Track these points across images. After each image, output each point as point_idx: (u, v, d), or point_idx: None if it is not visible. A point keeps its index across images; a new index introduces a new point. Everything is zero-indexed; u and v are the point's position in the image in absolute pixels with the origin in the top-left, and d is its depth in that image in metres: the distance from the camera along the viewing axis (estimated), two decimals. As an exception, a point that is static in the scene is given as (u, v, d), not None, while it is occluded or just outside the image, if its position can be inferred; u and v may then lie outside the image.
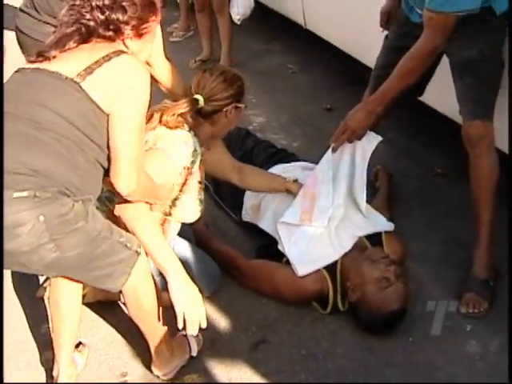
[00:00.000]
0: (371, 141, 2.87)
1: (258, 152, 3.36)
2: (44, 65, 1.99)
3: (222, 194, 3.30)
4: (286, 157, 3.32)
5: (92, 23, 2.05)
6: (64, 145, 1.92)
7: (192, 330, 2.24)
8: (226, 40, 4.79)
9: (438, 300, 2.75)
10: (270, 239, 2.89)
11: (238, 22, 4.61)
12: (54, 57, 2.00)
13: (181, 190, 2.48)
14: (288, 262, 2.75)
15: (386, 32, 3.11)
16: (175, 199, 2.49)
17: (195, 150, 2.47)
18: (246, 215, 3.11)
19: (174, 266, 2.24)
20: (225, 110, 2.57)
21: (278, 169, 3.14)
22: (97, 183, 2.07)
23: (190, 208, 2.55)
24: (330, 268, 2.70)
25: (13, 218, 1.82)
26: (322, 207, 2.82)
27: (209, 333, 2.63)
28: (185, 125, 2.49)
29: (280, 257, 2.81)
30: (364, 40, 3.73)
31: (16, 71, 2.06)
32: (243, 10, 4.55)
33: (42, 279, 2.79)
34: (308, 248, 2.75)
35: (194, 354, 2.55)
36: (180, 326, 2.22)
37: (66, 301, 2.37)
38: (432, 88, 3.03)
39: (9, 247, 1.86)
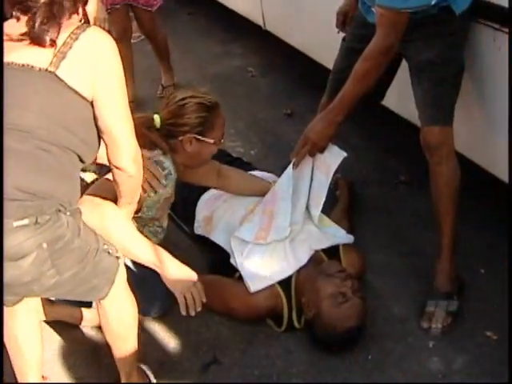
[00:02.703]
0: (335, 156, 2.72)
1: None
2: (8, 54, 1.71)
3: (173, 206, 3.13)
4: (242, 166, 3.14)
5: None
6: (52, 154, 1.73)
7: (193, 311, 2.23)
8: (165, 59, 4.44)
9: (399, 313, 2.63)
10: (222, 253, 2.75)
11: None
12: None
13: None
14: (241, 277, 2.61)
15: (344, 34, 2.99)
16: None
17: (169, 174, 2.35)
18: (199, 228, 2.95)
19: (162, 257, 2.19)
20: (180, 139, 2.41)
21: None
22: (79, 186, 1.91)
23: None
24: (285, 283, 2.57)
25: (14, 249, 1.69)
26: (279, 226, 2.68)
27: (157, 354, 2.50)
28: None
29: (233, 271, 2.66)
30: (326, 42, 3.59)
31: None
32: None
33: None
34: (261, 262, 2.62)
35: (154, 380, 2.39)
36: (183, 311, 2.23)
37: (26, 332, 2.19)
38: (394, 92, 2.92)
39: (8, 279, 1.74)
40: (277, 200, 2.74)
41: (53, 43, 1.71)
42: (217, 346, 2.55)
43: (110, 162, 1.92)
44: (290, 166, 2.73)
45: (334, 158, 2.73)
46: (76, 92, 1.72)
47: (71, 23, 1.78)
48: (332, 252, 2.70)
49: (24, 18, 1.75)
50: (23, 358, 2.21)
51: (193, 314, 2.23)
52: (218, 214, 2.87)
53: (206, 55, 5.00)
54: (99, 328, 2.58)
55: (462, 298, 2.63)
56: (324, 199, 2.76)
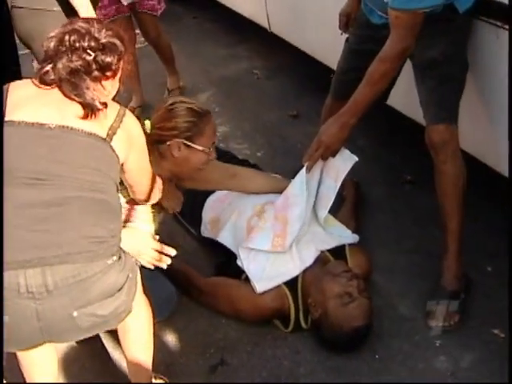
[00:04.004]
0: (346, 160, 2.69)
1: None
2: (72, 121, 1.90)
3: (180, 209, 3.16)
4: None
5: (81, 62, 1.94)
6: (112, 200, 1.96)
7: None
8: (170, 63, 4.46)
9: (406, 313, 2.64)
10: (229, 255, 2.76)
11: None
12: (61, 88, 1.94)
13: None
14: (247, 279, 2.62)
15: (347, 35, 2.99)
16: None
17: None
18: (205, 230, 2.98)
19: None
20: (168, 143, 2.42)
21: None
22: None
23: None
24: (291, 284, 2.58)
25: (113, 285, 1.87)
26: (295, 231, 2.65)
27: (164, 356, 2.50)
28: None
29: (239, 273, 2.67)
30: (330, 43, 3.61)
31: (30, 125, 1.88)
32: None
33: None
34: (267, 263, 2.62)
35: None
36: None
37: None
38: (399, 92, 2.92)
39: (106, 313, 1.87)
40: (290, 205, 2.69)
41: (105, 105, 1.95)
42: (224, 348, 2.57)
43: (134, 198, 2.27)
44: (303, 170, 2.68)
45: (344, 162, 2.70)
46: (118, 159, 1.97)
47: (113, 104, 2.02)
48: (338, 252, 2.70)
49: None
50: (37, 371, 2.20)
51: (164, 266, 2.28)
52: (225, 216, 2.88)
53: (212, 58, 5.01)
54: (107, 332, 2.60)
55: (468, 296, 2.63)
56: (332, 203, 2.75)
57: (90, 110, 1.91)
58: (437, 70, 2.48)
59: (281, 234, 2.65)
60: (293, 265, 2.61)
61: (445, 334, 2.54)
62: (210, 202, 3.00)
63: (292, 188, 2.72)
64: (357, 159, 2.70)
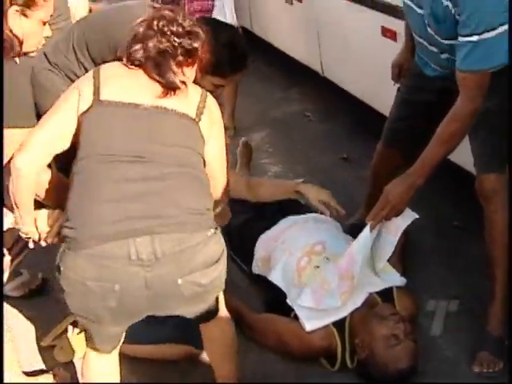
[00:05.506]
0: (406, 217, 2.69)
1: (269, 203, 3.31)
2: (164, 102, 2.04)
3: (232, 245, 3.26)
4: (298, 208, 3.28)
5: (169, 44, 2.08)
6: (206, 178, 2.10)
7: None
8: (232, 101, 4.61)
9: (451, 355, 2.69)
10: (279, 293, 2.85)
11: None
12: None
13: None
14: (296, 317, 2.70)
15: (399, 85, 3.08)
16: None
17: None
18: (256, 267, 3.08)
19: None
20: None
21: (288, 221, 3.12)
22: None
23: None
24: (339, 324, 2.65)
25: (213, 254, 1.99)
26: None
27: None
28: None
29: (289, 311, 2.76)
30: (381, 90, 3.70)
31: (126, 105, 2.03)
32: None
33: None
34: (317, 303, 2.70)
35: None
36: None
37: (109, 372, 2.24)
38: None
39: (206, 282, 1.98)
40: (355, 263, 2.68)
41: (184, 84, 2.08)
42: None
43: None
44: (367, 229, 2.66)
45: (404, 219, 2.70)
46: (203, 139, 2.11)
47: (195, 86, 2.17)
48: (386, 295, 2.77)
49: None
50: None
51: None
52: (276, 255, 2.97)
53: (267, 100, 5.17)
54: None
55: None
56: (390, 255, 2.81)
57: (169, 88, 2.04)
58: (490, 121, 2.50)
59: (348, 290, 2.67)
60: (343, 305, 2.68)
61: (489, 379, 2.57)
62: (263, 240, 3.10)
63: (357, 246, 2.73)
64: (417, 216, 2.70)
